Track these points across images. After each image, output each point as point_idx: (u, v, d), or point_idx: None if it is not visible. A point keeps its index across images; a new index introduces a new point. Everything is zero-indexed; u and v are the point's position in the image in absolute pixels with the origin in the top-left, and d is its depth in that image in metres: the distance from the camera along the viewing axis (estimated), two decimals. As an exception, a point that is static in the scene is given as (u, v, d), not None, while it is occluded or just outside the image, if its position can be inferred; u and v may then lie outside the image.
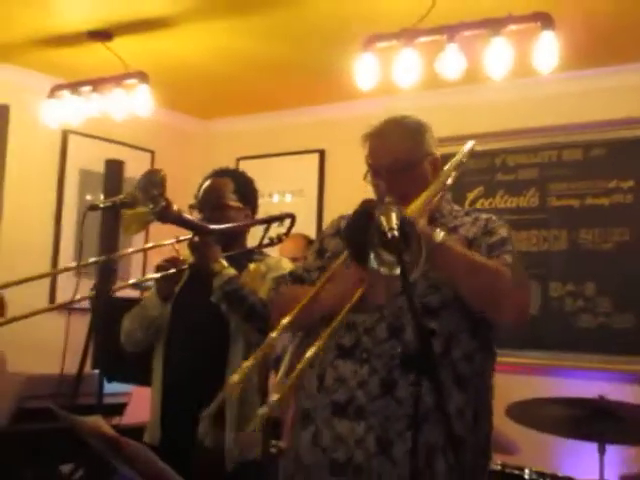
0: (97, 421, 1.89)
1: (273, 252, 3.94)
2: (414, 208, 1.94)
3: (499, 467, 3.12)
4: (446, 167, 2.22)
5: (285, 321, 1.88)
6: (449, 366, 2.01)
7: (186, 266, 2.77)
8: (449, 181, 2.26)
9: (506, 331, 2.13)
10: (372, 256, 1.74)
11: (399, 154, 2.14)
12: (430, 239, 1.88)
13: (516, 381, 4.10)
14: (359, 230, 1.76)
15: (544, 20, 3.22)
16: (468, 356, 2.04)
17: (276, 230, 2.86)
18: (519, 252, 2.12)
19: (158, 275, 2.75)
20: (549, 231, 4.64)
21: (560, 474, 3.16)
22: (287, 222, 2.86)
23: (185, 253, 2.82)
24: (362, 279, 1.91)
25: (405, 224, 1.69)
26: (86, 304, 2.87)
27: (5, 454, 3.37)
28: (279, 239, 2.82)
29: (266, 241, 2.82)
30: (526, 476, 3.07)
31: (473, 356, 2.05)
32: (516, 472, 3.10)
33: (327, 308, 1.98)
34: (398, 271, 1.66)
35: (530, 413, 3.05)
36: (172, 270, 2.74)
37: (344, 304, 1.90)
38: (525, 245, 4.60)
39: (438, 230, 1.94)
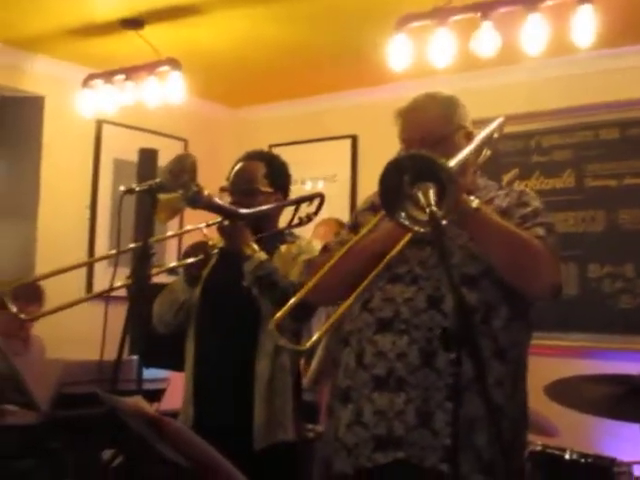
0: (138, 401, 1.90)
1: (307, 235, 3.94)
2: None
3: (539, 448, 3.08)
4: (477, 135, 2.20)
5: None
6: (489, 336, 2.00)
7: (215, 251, 2.77)
8: (481, 158, 2.25)
9: (540, 306, 2.13)
10: (402, 213, 1.77)
11: (431, 127, 2.14)
12: (466, 204, 1.89)
13: (555, 363, 4.06)
14: (391, 181, 1.77)
15: (582, -7, 3.17)
16: (506, 326, 2.04)
17: (306, 210, 2.84)
18: (552, 225, 2.10)
19: (189, 261, 2.75)
20: (586, 212, 4.59)
21: (602, 455, 3.12)
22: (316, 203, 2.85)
23: (215, 237, 2.81)
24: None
25: (446, 177, 1.70)
26: (123, 292, 2.88)
27: (46, 439, 3.40)
28: (308, 218, 2.80)
29: (295, 221, 2.80)
30: (567, 456, 3.03)
31: (510, 326, 2.05)
32: (557, 453, 3.05)
33: (369, 252, 2.03)
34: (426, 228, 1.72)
35: (569, 392, 3.01)
36: (200, 256, 2.74)
37: (388, 245, 1.98)
38: (562, 227, 4.54)
39: (473, 197, 1.94)
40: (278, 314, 1.91)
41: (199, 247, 2.76)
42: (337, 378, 2.17)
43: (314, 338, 1.99)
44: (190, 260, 2.76)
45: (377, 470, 2.01)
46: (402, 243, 2.01)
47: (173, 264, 2.94)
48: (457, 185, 1.73)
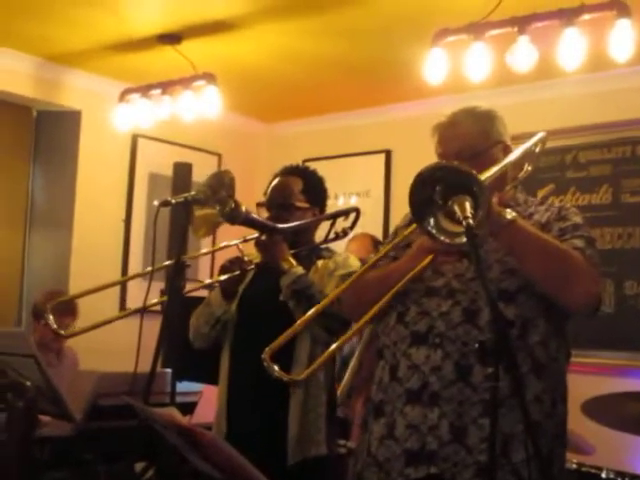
0: (172, 413, 1.90)
1: (340, 251, 3.94)
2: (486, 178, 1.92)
3: (575, 466, 3.03)
4: (515, 150, 2.19)
5: None
6: (526, 351, 1.98)
7: (251, 266, 2.78)
8: (522, 173, 2.24)
9: (576, 324, 2.10)
10: (431, 221, 1.79)
11: (467, 140, 2.13)
12: (500, 216, 1.89)
13: (591, 382, 4.01)
14: (422, 190, 1.78)
15: (620, 8, 3.13)
16: (544, 342, 2.01)
17: (342, 225, 2.84)
18: (592, 239, 2.08)
19: (225, 277, 2.76)
20: (623, 228, 4.54)
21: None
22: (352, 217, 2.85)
23: (252, 252, 2.82)
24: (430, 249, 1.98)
25: (477, 188, 1.71)
26: (157, 306, 2.90)
27: (79, 451, 3.41)
28: (344, 233, 2.80)
29: (331, 236, 2.80)
30: (603, 475, 2.98)
31: (548, 342, 2.02)
32: (593, 471, 3.00)
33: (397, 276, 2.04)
34: (457, 240, 1.74)
35: (607, 409, 2.97)
36: (236, 272, 2.74)
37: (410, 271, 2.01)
38: (599, 243, 4.44)
39: (509, 210, 1.93)
40: (273, 343, 1.95)
41: (235, 262, 2.76)
42: (372, 392, 2.15)
43: (310, 369, 2.02)
44: (226, 276, 2.77)
45: None
46: (419, 268, 2.02)
47: (209, 280, 2.94)
48: (488, 196, 1.72)
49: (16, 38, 4.56)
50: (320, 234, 2.89)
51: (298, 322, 2.07)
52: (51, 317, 2.82)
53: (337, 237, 2.80)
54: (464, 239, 1.73)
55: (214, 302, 2.85)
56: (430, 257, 2.01)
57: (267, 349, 1.92)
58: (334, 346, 2.04)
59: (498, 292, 1.97)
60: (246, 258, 2.78)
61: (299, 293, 2.61)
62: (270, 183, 2.91)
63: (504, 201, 2.09)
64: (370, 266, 2.14)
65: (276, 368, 1.90)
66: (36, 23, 4.31)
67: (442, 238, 1.79)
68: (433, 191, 1.77)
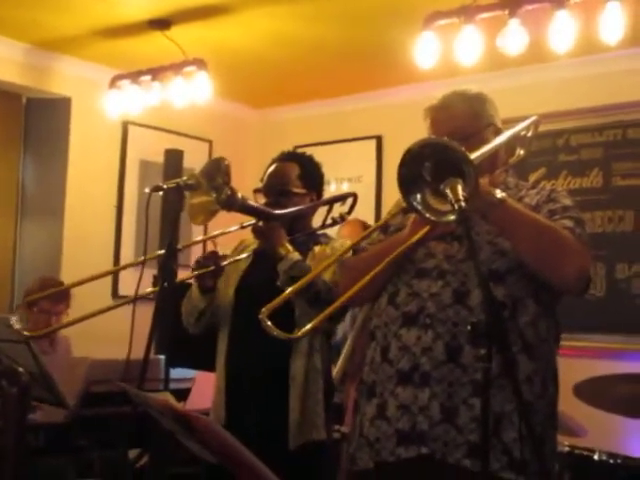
0: (167, 398, 1.90)
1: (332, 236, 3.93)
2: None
3: (567, 448, 3.05)
4: (505, 132, 2.19)
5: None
6: (516, 332, 1.99)
7: (226, 262, 2.77)
8: (513, 158, 2.27)
9: (567, 306, 2.12)
10: (418, 196, 1.80)
11: (459, 122, 2.15)
12: (490, 195, 1.91)
13: (582, 365, 4.03)
14: (412, 165, 1.79)
15: (609, -10, 3.14)
16: (533, 322, 2.03)
17: (339, 210, 2.85)
18: (582, 220, 2.09)
19: (198, 272, 2.74)
20: (614, 211, 4.55)
21: (631, 456, 3.08)
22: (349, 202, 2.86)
23: (250, 238, 2.81)
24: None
25: (467, 167, 1.72)
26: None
27: (73, 437, 3.42)
28: (342, 218, 2.81)
29: (329, 221, 2.81)
30: (596, 457, 2.99)
31: (538, 323, 2.04)
32: (585, 453, 3.01)
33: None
34: (442, 218, 1.77)
35: (599, 391, 2.98)
36: (211, 267, 2.73)
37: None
38: (589, 226, 4.43)
39: (498, 190, 1.95)
40: (270, 304, 1.98)
41: (209, 258, 2.76)
42: (364, 373, 2.17)
43: (307, 327, 2.00)
44: (200, 272, 2.75)
45: (399, 465, 2.00)
46: (418, 236, 2.03)
47: (183, 276, 2.90)
48: (476, 174, 1.73)
49: (5, 24, 4.53)
50: (317, 219, 2.89)
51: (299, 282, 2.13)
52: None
53: (334, 222, 2.80)
54: (451, 217, 1.75)
55: (194, 297, 2.85)
56: (427, 228, 2.01)
57: (264, 309, 1.94)
58: (332, 307, 2.03)
59: (488, 273, 1.98)
60: (221, 253, 2.78)
61: (296, 279, 2.61)
62: (267, 169, 2.91)
63: (495, 184, 2.09)
64: (356, 246, 2.20)
65: (275, 329, 1.93)
66: (25, 9, 4.28)
67: (427, 215, 1.81)
68: (422, 167, 1.79)
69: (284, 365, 2.69)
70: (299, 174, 2.85)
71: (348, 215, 2.84)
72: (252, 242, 2.85)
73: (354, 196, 2.84)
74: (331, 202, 2.84)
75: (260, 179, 2.91)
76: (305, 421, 2.65)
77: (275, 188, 2.82)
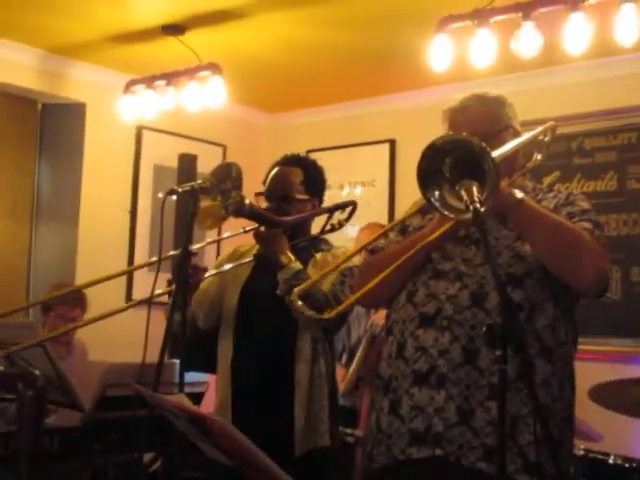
0: (181, 399, 1.91)
1: (349, 242, 3.93)
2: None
3: (582, 452, 3.03)
4: (524, 135, 2.20)
5: None
6: (534, 335, 1.99)
7: (208, 274, 2.81)
8: (531, 162, 2.28)
9: (583, 310, 2.12)
10: (436, 193, 1.80)
11: (478, 124, 2.14)
12: (510, 195, 1.93)
13: (598, 369, 4.00)
14: (433, 160, 1.79)
15: (625, -8, 3.12)
16: (552, 325, 2.03)
17: (338, 217, 2.85)
18: (600, 223, 2.09)
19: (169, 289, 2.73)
20: (629, 215, 4.53)
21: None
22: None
23: (251, 242, 2.82)
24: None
25: (489, 164, 1.72)
26: (164, 297, 2.90)
27: (87, 441, 3.42)
28: (340, 225, 2.81)
29: (328, 227, 2.81)
30: (611, 461, 2.98)
31: (556, 325, 2.04)
32: (600, 457, 3.00)
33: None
34: (460, 216, 1.77)
35: (614, 395, 2.97)
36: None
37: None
38: (604, 230, 4.48)
39: (517, 190, 1.97)
40: (301, 286, 2.03)
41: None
42: (380, 367, 2.17)
43: (340, 307, 2.03)
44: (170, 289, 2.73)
45: (413, 464, 2.00)
46: (443, 229, 2.03)
47: (160, 291, 2.84)
48: (497, 169, 1.73)
49: (20, 30, 4.57)
50: (317, 222, 2.90)
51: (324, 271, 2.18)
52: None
53: (333, 229, 2.81)
54: (467, 215, 1.75)
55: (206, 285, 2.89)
56: (448, 224, 2.01)
57: (296, 290, 1.97)
58: (356, 295, 2.07)
59: (506, 276, 1.99)
60: (202, 265, 2.81)
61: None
62: (269, 172, 2.90)
63: (513, 188, 2.09)
64: (374, 247, 2.21)
65: (307, 307, 1.98)
66: (39, 15, 4.30)
67: (445, 212, 1.81)
68: (442, 163, 1.79)
69: (289, 370, 2.69)
70: (302, 179, 2.85)
71: (346, 222, 2.84)
72: (248, 247, 2.85)
73: (354, 205, 2.84)
74: (332, 210, 2.84)
75: (262, 182, 2.90)
76: (310, 428, 2.65)
77: (278, 193, 2.82)
